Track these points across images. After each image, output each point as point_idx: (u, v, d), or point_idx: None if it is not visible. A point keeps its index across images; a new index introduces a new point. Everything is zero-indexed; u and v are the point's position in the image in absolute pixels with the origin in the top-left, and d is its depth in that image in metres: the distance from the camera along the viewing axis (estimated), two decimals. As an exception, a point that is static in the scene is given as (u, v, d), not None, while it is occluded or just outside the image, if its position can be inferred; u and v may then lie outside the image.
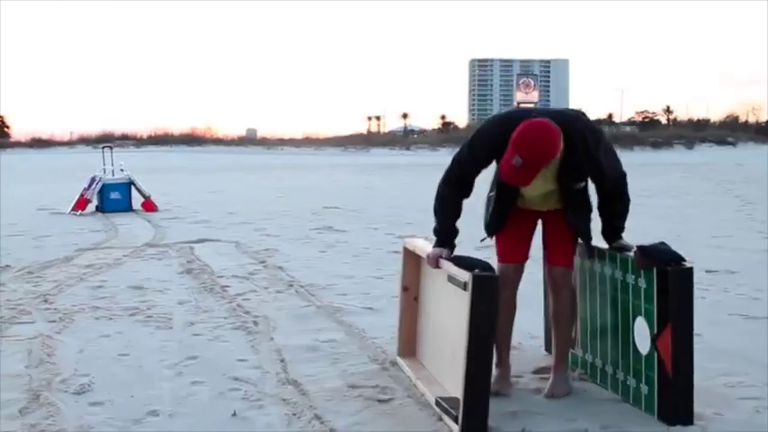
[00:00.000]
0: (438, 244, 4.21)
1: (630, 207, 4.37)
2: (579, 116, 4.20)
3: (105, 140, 43.27)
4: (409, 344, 4.94)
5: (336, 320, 6.07)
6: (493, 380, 4.05)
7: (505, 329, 4.43)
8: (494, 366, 4.07)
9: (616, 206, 4.32)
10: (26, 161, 44.40)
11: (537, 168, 3.90)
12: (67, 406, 4.21)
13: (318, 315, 6.27)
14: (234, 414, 4.09)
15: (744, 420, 3.95)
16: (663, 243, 4.07)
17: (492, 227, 4.40)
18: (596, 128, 4.27)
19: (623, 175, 4.30)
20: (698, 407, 3.93)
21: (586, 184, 4.27)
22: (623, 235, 4.30)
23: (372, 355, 5.12)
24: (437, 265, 4.19)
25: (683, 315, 3.86)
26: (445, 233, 4.21)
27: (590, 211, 4.34)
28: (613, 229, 4.30)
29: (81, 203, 15.20)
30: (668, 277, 3.85)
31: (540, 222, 4.46)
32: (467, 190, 4.25)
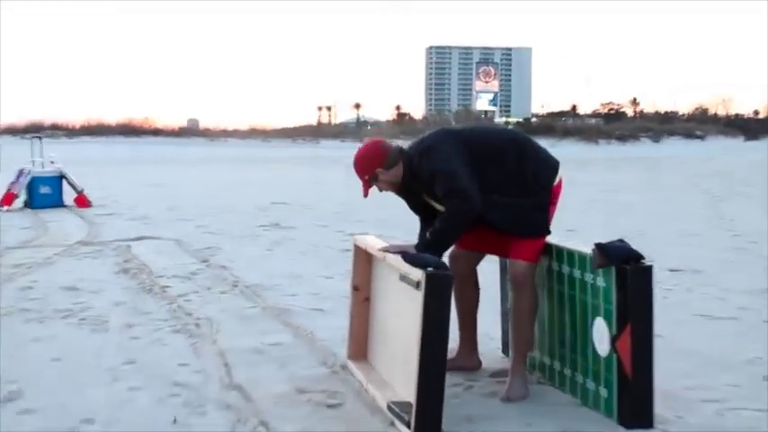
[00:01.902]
0: (428, 251, 4.22)
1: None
2: (426, 152, 4.40)
3: (34, 130, 42.55)
4: (360, 346, 4.97)
5: (283, 322, 6.09)
6: (455, 354, 4.54)
7: (464, 304, 4.66)
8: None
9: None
10: (-53, 152, 43.56)
11: (360, 177, 4.52)
12: (-5, 414, 4.20)
13: (264, 316, 6.29)
14: (174, 421, 4.09)
15: (706, 424, 4.03)
16: (621, 240, 4.13)
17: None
18: (431, 162, 4.39)
19: (451, 189, 4.29)
20: (658, 410, 4.01)
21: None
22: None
23: (321, 359, 5.15)
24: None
25: (642, 315, 3.92)
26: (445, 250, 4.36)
27: (518, 207, 4.38)
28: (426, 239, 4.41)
29: (7, 198, 15.02)
30: (626, 276, 3.91)
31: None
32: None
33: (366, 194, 4.62)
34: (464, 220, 4.25)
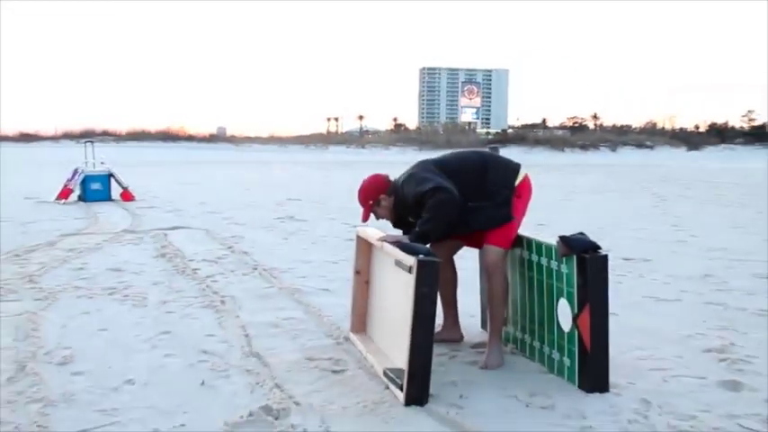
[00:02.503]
0: (418, 240, 4.20)
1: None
2: (408, 179, 4.47)
3: (87, 136, 42.53)
4: (360, 321, 4.97)
5: (296, 300, 6.08)
6: (441, 329, 4.66)
7: (444, 286, 4.64)
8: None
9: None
10: (14, 154, 43.52)
11: (362, 205, 4.67)
12: (51, 375, 4.19)
13: (280, 295, 6.28)
14: (202, 383, 4.09)
15: (653, 389, 4.03)
16: (582, 233, 4.13)
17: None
18: (408, 184, 4.45)
19: (425, 192, 4.28)
20: (613, 377, 4.01)
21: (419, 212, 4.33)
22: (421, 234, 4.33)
23: (328, 331, 5.15)
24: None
25: (599, 297, 3.93)
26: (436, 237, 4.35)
27: (484, 208, 4.40)
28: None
29: (64, 193, 14.99)
30: (586, 263, 3.92)
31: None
32: None
33: (366, 219, 4.72)
34: (447, 210, 4.23)
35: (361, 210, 4.72)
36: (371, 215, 4.72)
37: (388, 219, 4.72)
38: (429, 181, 4.30)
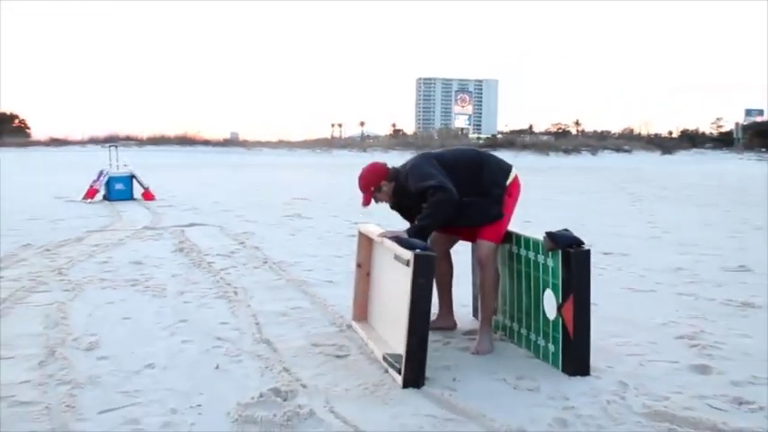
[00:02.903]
0: (416, 235, 4.17)
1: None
2: (412, 169, 4.44)
3: (111, 141, 42.31)
4: (362, 310, 4.97)
5: (302, 291, 6.08)
6: (436, 317, 4.65)
7: (440, 278, 4.66)
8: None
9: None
10: (45, 158, 43.48)
11: (364, 191, 4.57)
12: (78, 360, 4.19)
13: (288, 287, 6.27)
14: (217, 367, 4.09)
15: (630, 372, 4.04)
16: (566, 230, 4.13)
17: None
18: (412, 176, 4.41)
19: (428, 188, 4.28)
20: (594, 361, 4.02)
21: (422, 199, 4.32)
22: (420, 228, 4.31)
23: (332, 320, 5.14)
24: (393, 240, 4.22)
25: (582, 288, 3.92)
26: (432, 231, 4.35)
27: (477, 204, 4.39)
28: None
29: (90, 193, 14.99)
30: (570, 257, 3.91)
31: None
32: None
33: (368, 203, 4.65)
34: (445, 208, 4.22)
35: (361, 196, 4.65)
36: (372, 201, 4.66)
37: (387, 203, 4.68)
38: (432, 177, 4.28)
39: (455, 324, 4.90)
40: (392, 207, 4.73)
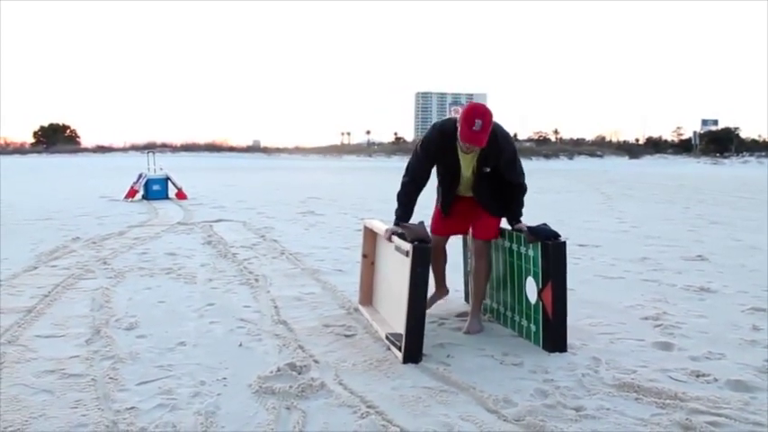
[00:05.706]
0: (396, 222, 4.14)
1: (526, 201, 4.43)
2: (504, 129, 4.18)
3: (149, 147, 42.55)
4: (367, 295, 4.95)
5: (315, 278, 6.06)
6: (433, 295, 4.66)
7: (438, 266, 4.65)
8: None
9: (514, 204, 4.32)
10: (92, 163, 43.52)
11: (489, 127, 3.88)
12: (120, 338, 4.18)
13: (302, 275, 6.26)
14: (240, 345, 4.08)
15: (602, 348, 4.02)
16: (545, 224, 4.11)
17: (444, 206, 4.48)
18: (511, 143, 4.24)
19: (521, 185, 4.29)
20: (570, 339, 4.00)
21: (491, 173, 4.21)
22: (522, 219, 4.32)
23: (341, 303, 5.13)
24: (390, 238, 4.19)
25: (559, 275, 3.91)
26: (403, 216, 4.15)
27: (498, 198, 4.32)
28: (514, 216, 4.32)
29: (131, 193, 14.99)
30: (548, 248, 3.90)
31: (468, 210, 4.46)
32: (420, 185, 4.22)
33: (484, 143, 3.94)
34: (522, 199, 4.42)
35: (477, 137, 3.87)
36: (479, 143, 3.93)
37: (476, 151, 4.07)
38: (523, 174, 4.32)
39: (447, 290, 4.85)
40: (461, 159, 4.16)
